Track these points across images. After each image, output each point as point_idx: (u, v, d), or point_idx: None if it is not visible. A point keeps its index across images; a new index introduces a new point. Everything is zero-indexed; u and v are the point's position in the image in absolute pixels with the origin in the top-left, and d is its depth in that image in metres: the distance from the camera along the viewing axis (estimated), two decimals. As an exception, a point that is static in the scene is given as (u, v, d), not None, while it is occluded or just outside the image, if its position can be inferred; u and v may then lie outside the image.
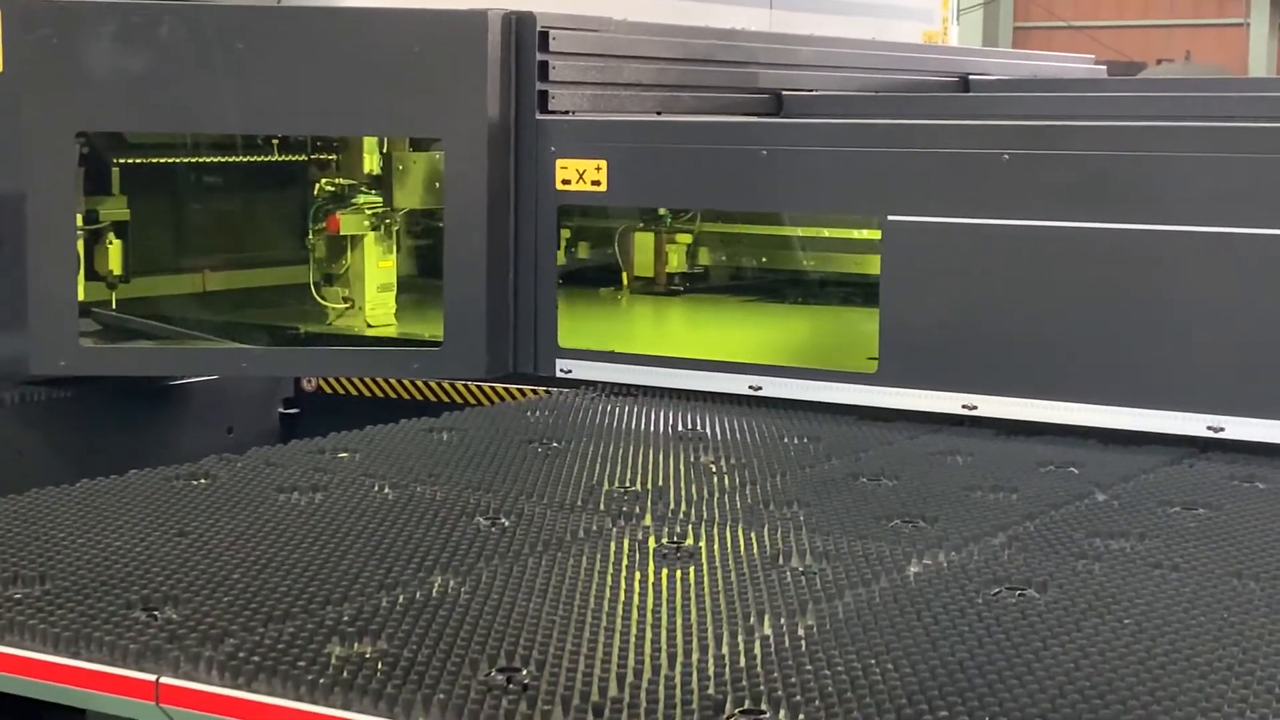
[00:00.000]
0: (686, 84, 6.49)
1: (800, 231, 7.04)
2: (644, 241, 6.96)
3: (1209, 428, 4.84)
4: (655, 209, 6.84)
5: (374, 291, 6.27)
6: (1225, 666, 3.04)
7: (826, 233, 6.99)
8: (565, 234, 6.84)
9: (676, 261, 7.01)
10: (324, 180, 6.39)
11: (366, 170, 6.37)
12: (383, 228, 6.29)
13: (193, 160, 6.72)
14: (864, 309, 6.39)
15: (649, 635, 3.15)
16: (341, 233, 6.27)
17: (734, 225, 7.16)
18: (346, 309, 6.28)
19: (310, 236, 6.34)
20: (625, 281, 6.98)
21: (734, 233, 7.19)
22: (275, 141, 6.61)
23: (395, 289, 6.34)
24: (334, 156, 6.48)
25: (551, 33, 5.76)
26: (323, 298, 6.33)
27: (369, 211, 6.28)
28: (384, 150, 6.33)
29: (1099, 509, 4.19)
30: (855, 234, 6.82)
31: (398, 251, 6.43)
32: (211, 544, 3.72)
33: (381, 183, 6.36)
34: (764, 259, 7.25)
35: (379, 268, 6.29)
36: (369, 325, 6.27)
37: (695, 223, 7.02)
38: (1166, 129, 5.08)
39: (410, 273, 6.71)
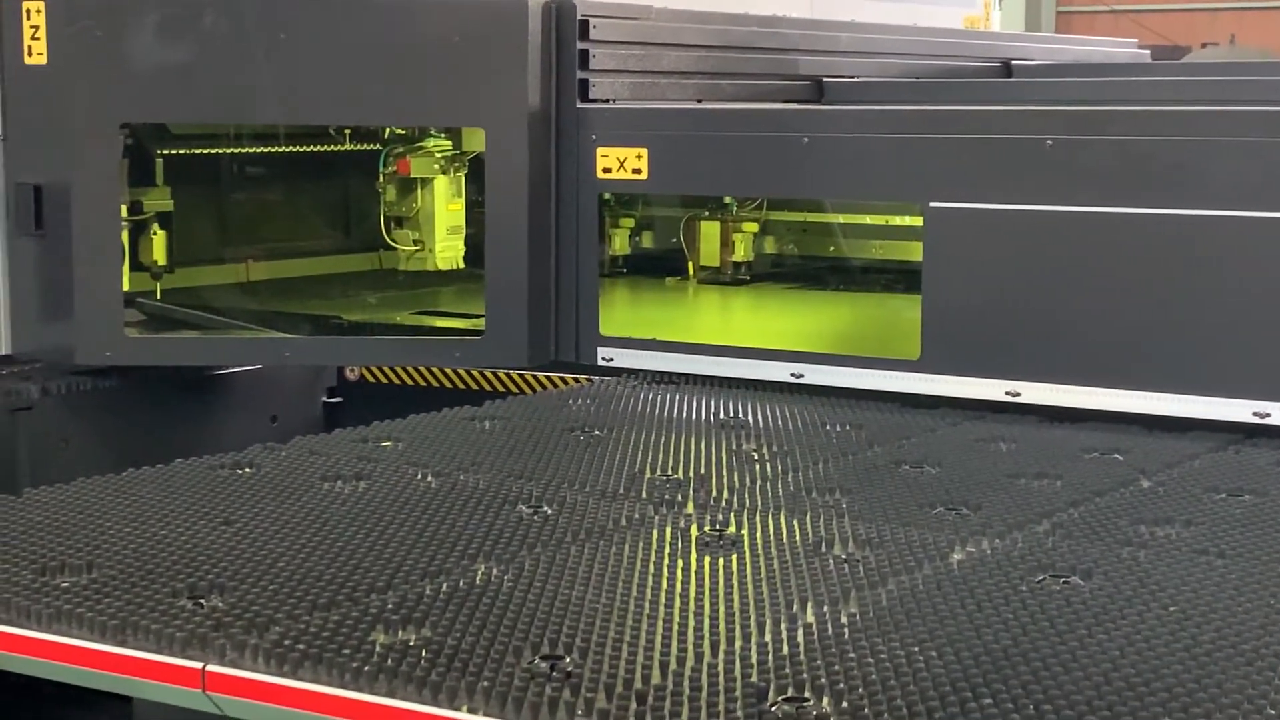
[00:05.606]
0: (727, 71, 6.47)
1: (842, 218, 7.02)
2: (709, 230, 6.95)
3: (1255, 414, 4.81)
4: (697, 197, 6.83)
5: (443, 233, 6.30)
6: (1272, 654, 3.02)
7: (869, 219, 6.96)
8: (629, 223, 6.84)
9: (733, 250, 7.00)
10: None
11: None
12: (451, 171, 6.31)
13: (235, 151, 6.75)
14: (905, 296, 6.37)
15: (691, 623, 3.15)
16: (412, 175, 6.30)
17: (780, 213, 7.14)
18: (416, 251, 6.30)
19: (381, 179, 6.37)
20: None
21: (778, 220, 7.17)
22: (345, 131, 6.63)
23: (464, 231, 6.36)
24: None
25: (591, 21, 5.76)
26: (393, 240, 6.36)
27: (439, 155, 6.30)
28: None
29: (1144, 495, 4.17)
30: (896, 220, 6.80)
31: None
32: (256, 532, 3.74)
33: (451, 127, 6.38)
34: (807, 247, 7.23)
35: (448, 210, 6.33)
36: (439, 266, 6.31)
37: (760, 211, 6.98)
38: (1211, 113, 5.04)
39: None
